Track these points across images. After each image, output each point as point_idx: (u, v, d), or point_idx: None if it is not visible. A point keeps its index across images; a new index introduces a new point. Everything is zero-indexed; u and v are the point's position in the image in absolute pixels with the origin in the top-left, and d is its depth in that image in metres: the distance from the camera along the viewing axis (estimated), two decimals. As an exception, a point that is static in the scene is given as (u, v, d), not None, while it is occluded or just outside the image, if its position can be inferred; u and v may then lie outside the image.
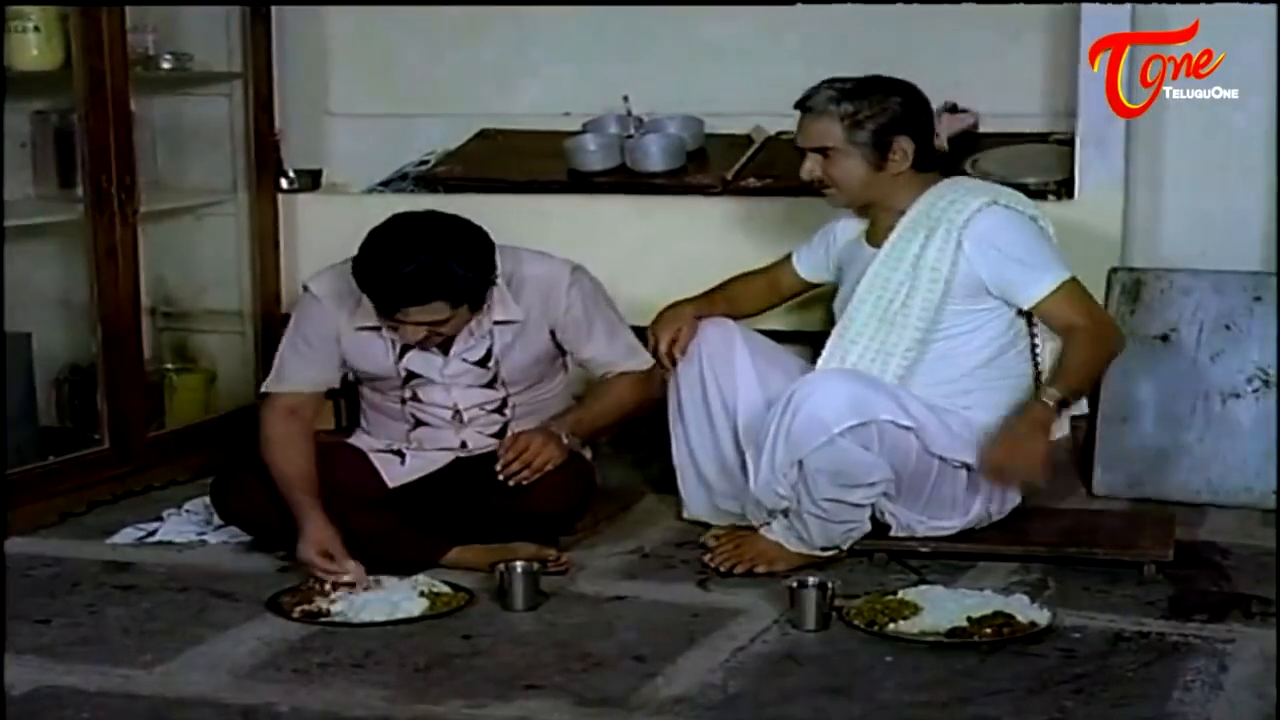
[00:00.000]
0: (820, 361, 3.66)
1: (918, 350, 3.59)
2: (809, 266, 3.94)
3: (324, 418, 4.31)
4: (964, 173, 4.38)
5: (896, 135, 3.63)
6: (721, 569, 3.59)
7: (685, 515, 3.88)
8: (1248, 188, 4.32)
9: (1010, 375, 3.68)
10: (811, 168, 3.68)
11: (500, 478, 3.60)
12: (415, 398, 3.76)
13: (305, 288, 3.79)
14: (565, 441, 3.68)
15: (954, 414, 3.57)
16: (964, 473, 3.58)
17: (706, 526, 3.84)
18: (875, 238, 3.71)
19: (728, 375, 3.76)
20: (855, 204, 3.75)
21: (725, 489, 3.80)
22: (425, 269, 3.45)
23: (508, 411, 3.79)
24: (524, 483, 3.61)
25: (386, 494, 3.74)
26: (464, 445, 3.79)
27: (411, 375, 3.73)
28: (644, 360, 3.84)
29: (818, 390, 3.41)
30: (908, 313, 3.58)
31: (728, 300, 3.93)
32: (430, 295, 3.48)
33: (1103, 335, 3.63)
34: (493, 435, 3.78)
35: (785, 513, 3.55)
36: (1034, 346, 3.72)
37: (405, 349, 3.68)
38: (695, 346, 3.79)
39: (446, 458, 3.80)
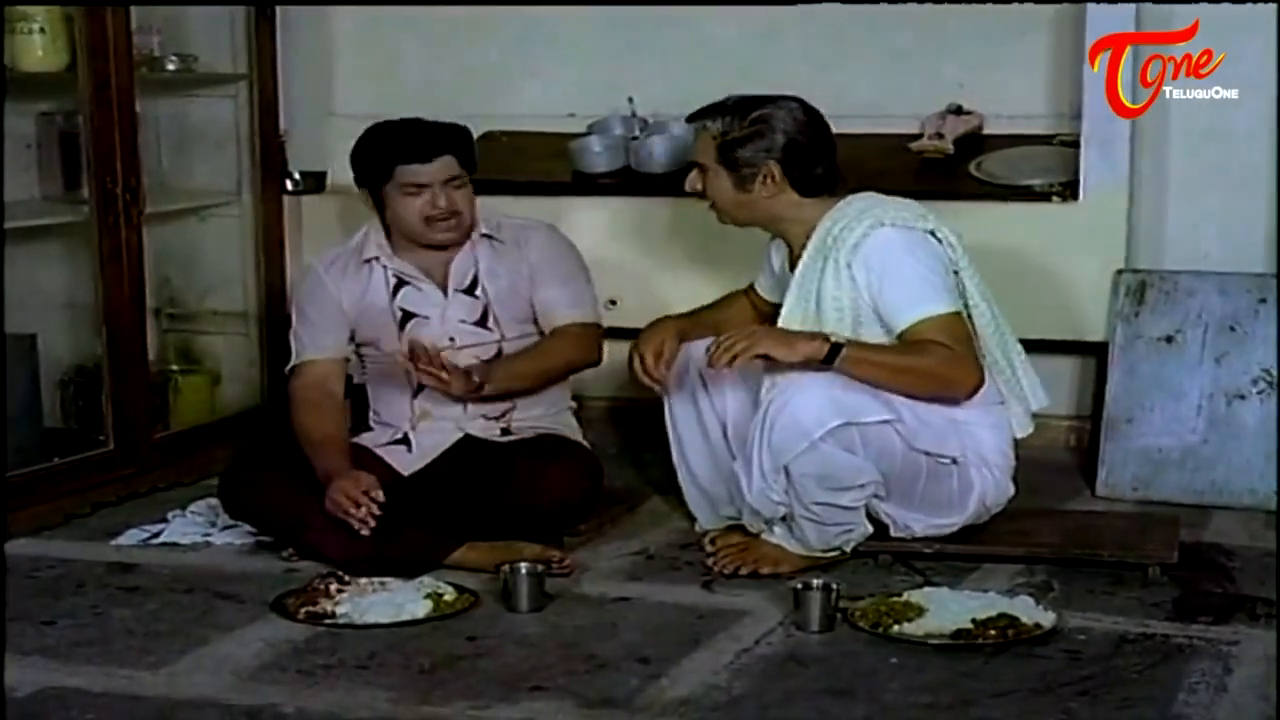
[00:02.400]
0: (762, 391, 3.57)
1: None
2: (769, 290, 3.89)
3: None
4: (970, 174, 4.39)
5: (765, 161, 3.56)
6: (726, 571, 3.59)
7: (697, 529, 3.87)
8: (1251, 189, 4.31)
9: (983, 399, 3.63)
10: (693, 180, 3.66)
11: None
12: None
13: (310, 263, 4.01)
14: (475, 379, 3.71)
15: (934, 408, 3.56)
16: (955, 469, 3.56)
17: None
18: (794, 261, 3.67)
19: (717, 386, 3.75)
20: (735, 222, 3.70)
21: (724, 496, 3.80)
22: (432, 124, 3.85)
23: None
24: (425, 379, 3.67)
25: (399, 486, 3.74)
26: (465, 409, 3.81)
27: (408, 316, 3.82)
28: (586, 313, 3.91)
29: (796, 396, 3.39)
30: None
31: (713, 324, 3.81)
32: (443, 145, 3.79)
33: (947, 359, 3.43)
34: (495, 412, 3.83)
35: (783, 518, 3.55)
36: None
37: (399, 286, 3.82)
38: (684, 361, 3.76)
39: (452, 437, 3.82)
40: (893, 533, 3.61)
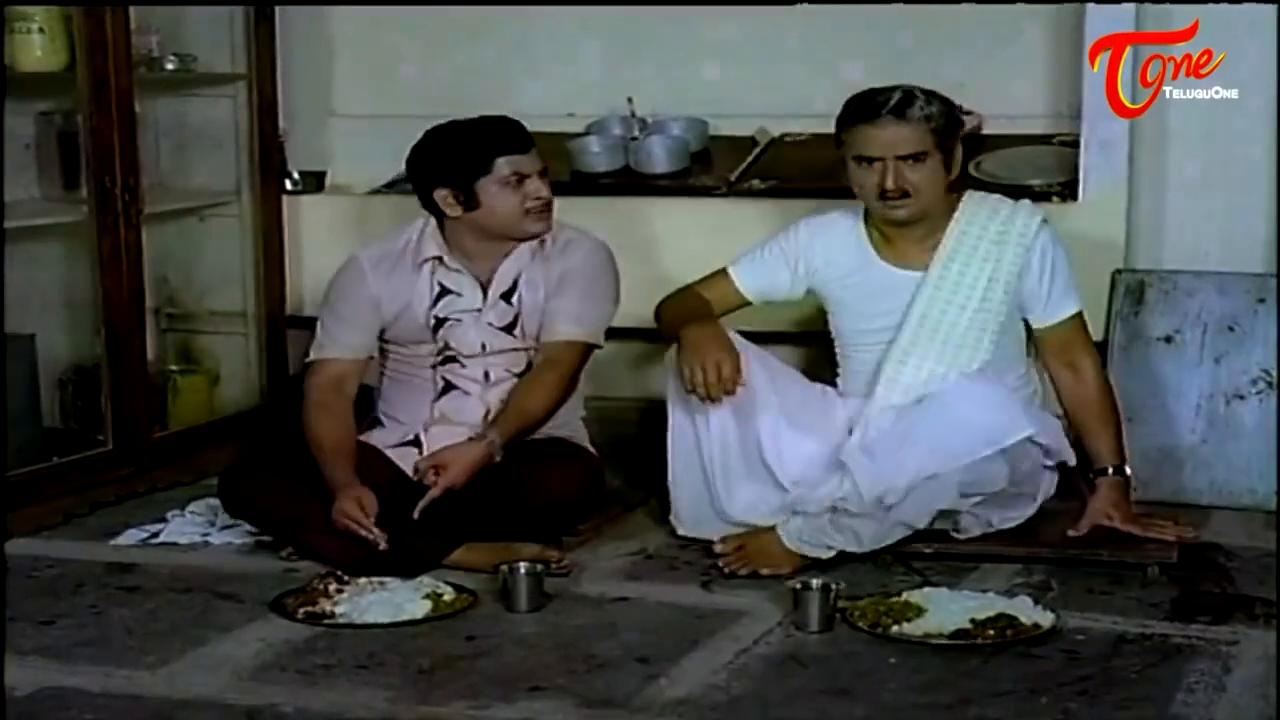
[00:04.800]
0: (879, 388, 3.69)
1: (984, 366, 3.69)
2: (758, 286, 3.86)
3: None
4: (969, 174, 4.38)
5: (958, 143, 3.71)
6: (725, 570, 3.59)
7: (680, 532, 3.84)
8: (1251, 189, 4.31)
9: (1031, 382, 3.82)
10: (897, 175, 3.62)
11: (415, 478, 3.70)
12: (445, 356, 3.82)
13: (354, 256, 3.91)
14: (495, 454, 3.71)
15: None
16: (1040, 454, 3.67)
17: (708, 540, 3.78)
18: (901, 256, 3.73)
19: (748, 399, 3.68)
20: (925, 213, 3.70)
21: (708, 515, 3.75)
22: (508, 118, 3.83)
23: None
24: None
25: (404, 487, 3.74)
26: (488, 415, 3.80)
27: (440, 322, 3.81)
28: (580, 331, 3.83)
29: (979, 403, 3.53)
30: (981, 332, 3.67)
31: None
32: (528, 137, 3.80)
33: (1108, 388, 3.77)
34: None
35: (832, 508, 3.54)
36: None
37: (441, 294, 3.79)
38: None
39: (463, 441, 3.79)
40: (960, 534, 3.65)
